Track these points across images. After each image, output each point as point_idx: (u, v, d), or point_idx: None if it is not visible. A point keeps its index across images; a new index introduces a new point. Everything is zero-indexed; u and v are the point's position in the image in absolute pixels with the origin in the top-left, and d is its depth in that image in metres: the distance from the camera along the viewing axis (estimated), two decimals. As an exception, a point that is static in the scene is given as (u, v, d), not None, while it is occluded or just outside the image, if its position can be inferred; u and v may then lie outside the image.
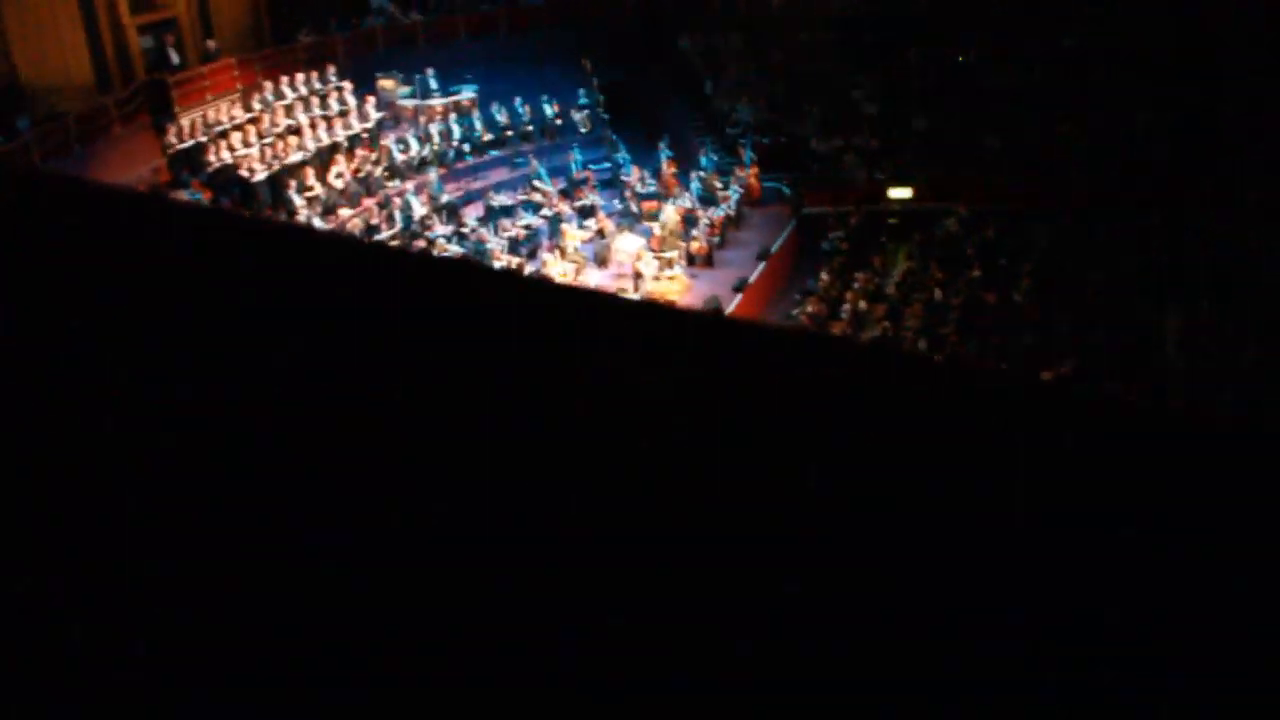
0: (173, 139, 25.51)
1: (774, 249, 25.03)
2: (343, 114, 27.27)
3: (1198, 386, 19.17)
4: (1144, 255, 22.51)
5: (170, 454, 1.17)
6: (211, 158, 25.12)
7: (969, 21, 31.15)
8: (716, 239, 25.09)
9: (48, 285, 1.44)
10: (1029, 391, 1.25)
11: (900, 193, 25.72)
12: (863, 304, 22.72)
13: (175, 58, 28.10)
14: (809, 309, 22.55)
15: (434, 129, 28.06)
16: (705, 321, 1.39)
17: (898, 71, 29.98)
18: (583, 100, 29.93)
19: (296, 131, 26.18)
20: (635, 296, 22.07)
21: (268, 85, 27.15)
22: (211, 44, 29.15)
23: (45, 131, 24.18)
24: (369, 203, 25.74)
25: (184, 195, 24.08)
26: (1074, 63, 28.84)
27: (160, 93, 26.40)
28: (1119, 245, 23.04)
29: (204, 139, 25.39)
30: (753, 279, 23.70)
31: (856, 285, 23.44)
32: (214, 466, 1.15)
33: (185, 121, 25.84)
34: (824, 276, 23.92)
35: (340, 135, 26.72)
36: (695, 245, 24.56)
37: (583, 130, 29.48)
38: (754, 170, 27.06)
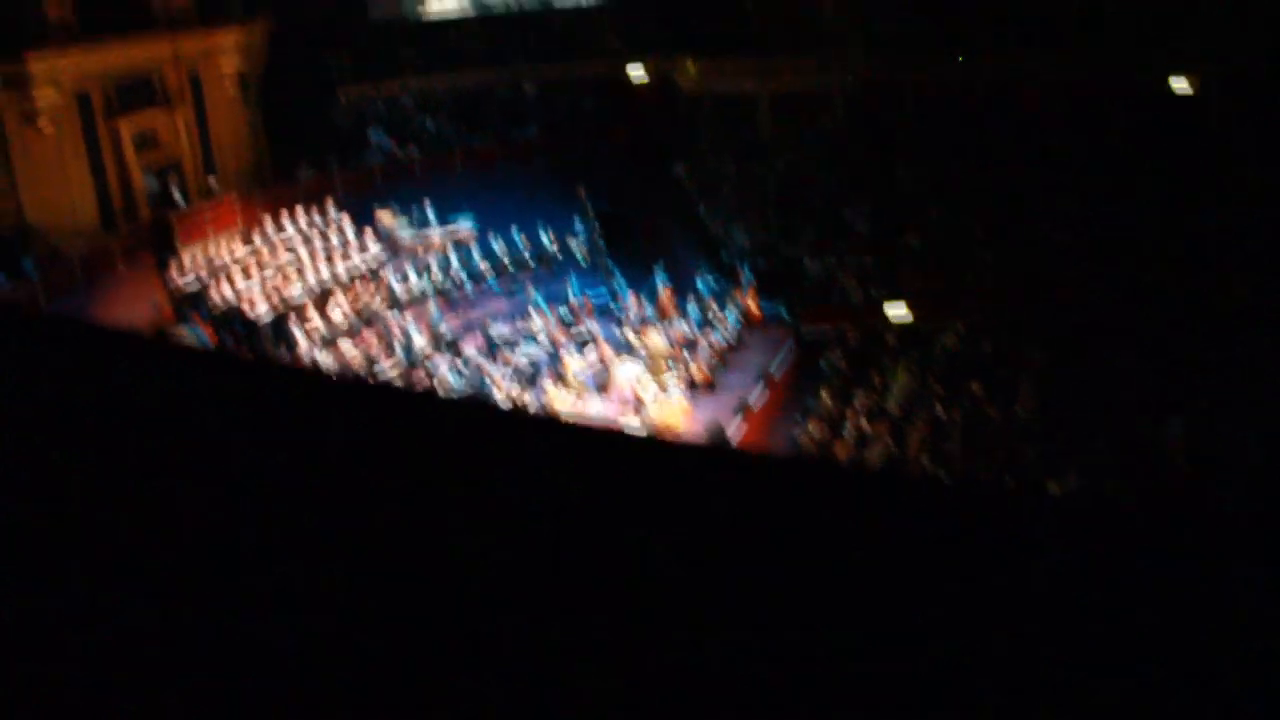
0: (175, 276, 25.78)
1: (774, 370, 25.13)
2: (343, 248, 27.60)
3: (1202, 489, 19.17)
4: (1144, 361, 22.64)
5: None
6: (214, 294, 25.36)
7: (956, 135, 31.82)
8: (717, 363, 25.19)
9: (51, 426, 1.47)
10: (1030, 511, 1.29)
11: (896, 310, 25.90)
12: (865, 423, 22.74)
13: (179, 196, 28.57)
14: (811, 430, 22.56)
15: (432, 261, 28.37)
16: (702, 455, 1.42)
17: (888, 189, 30.49)
18: (578, 229, 30.31)
19: (298, 268, 26.48)
20: (637, 422, 22.10)
21: (269, 221, 27.55)
22: (213, 182, 29.67)
23: (51, 273, 24.46)
24: (369, 334, 25.90)
25: (186, 332, 24.25)
26: (1066, 170, 29.39)
27: (164, 231, 26.79)
28: (1118, 352, 23.18)
29: (206, 276, 25.67)
30: (754, 402, 23.75)
31: (857, 404, 23.48)
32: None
33: (188, 258, 26.16)
34: (824, 396, 23.97)
35: (341, 269, 27.02)
36: (697, 371, 24.65)
37: (580, 259, 29.80)
38: (751, 293, 27.29)
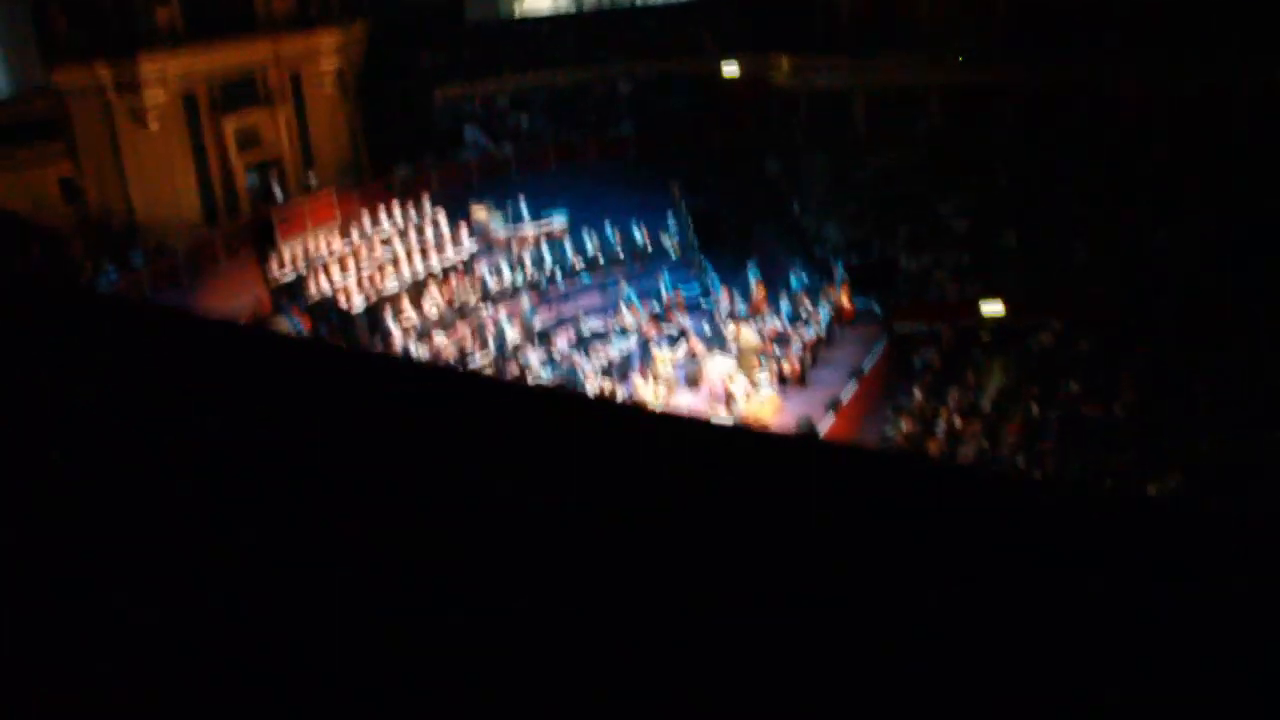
0: (274, 269, 26.34)
1: (866, 367, 24.90)
2: (438, 242, 27.95)
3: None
4: (1250, 364, 22.03)
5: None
6: (311, 288, 25.85)
7: (1054, 133, 31.26)
8: (808, 358, 25.04)
9: (155, 412, 1.51)
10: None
11: (992, 308, 25.49)
12: (958, 421, 22.45)
13: (279, 192, 29.18)
14: (903, 427, 22.32)
15: (526, 256, 28.61)
16: (792, 445, 1.40)
17: (985, 188, 30.04)
18: (671, 224, 30.34)
19: (393, 261, 26.88)
20: (727, 417, 22.05)
21: (365, 216, 28.01)
22: (312, 178, 30.24)
23: (157, 265, 25.15)
24: (463, 328, 26.19)
25: (284, 323, 24.77)
26: (1166, 171, 28.72)
27: (264, 225, 27.38)
28: (1223, 354, 22.59)
29: (304, 270, 26.19)
30: (845, 398, 23.56)
31: (951, 402, 23.18)
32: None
33: (287, 252, 26.70)
34: (917, 394, 23.70)
35: (435, 264, 27.37)
36: (788, 366, 24.53)
37: (672, 255, 29.82)
38: (845, 289, 27.08)
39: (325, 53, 30.94)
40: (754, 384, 23.73)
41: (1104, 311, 24.89)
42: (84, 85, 26.81)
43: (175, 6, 27.78)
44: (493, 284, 27.61)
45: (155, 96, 27.34)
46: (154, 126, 27.47)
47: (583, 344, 26.00)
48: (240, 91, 29.65)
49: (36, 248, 24.80)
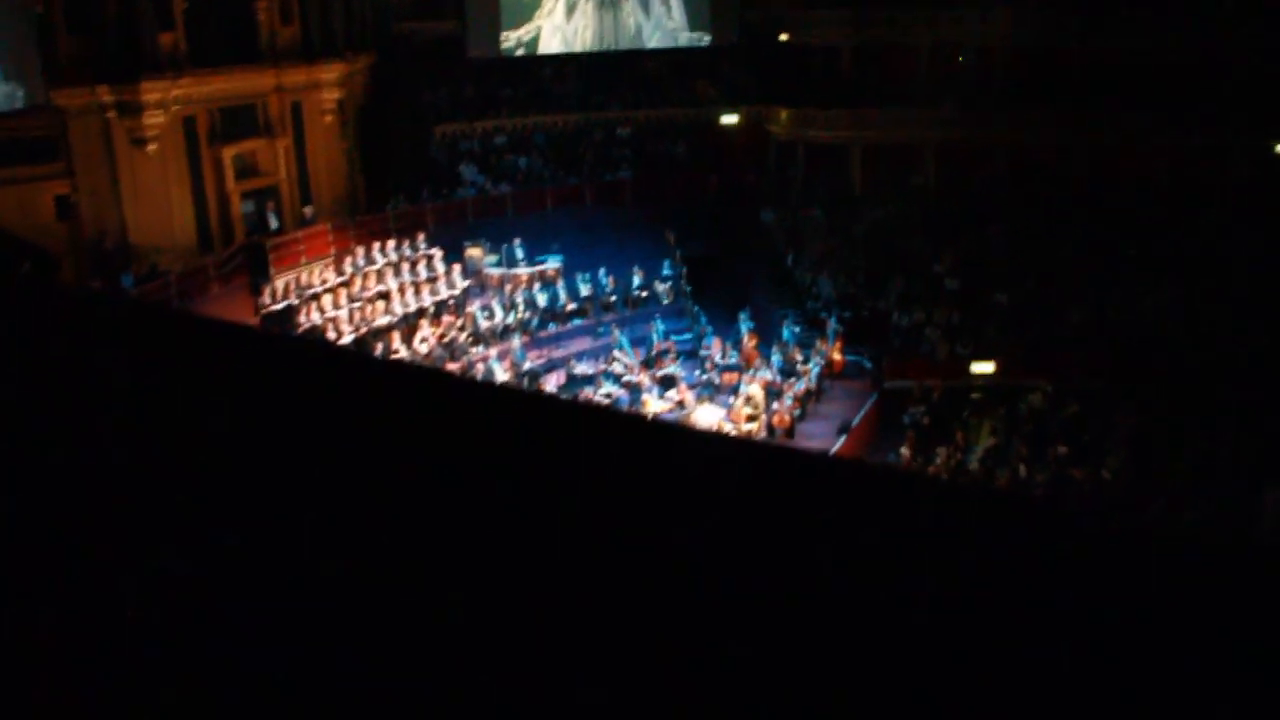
0: (266, 299, 26.25)
1: (855, 422, 24.87)
2: (431, 280, 27.92)
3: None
4: (1238, 428, 22.05)
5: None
6: (302, 318, 25.76)
7: (1049, 194, 31.51)
8: (798, 412, 25.02)
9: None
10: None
11: (983, 367, 25.56)
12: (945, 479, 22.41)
13: (274, 222, 29.18)
14: (891, 482, 22.27)
15: (519, 297, 28.59)
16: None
17: (979, 246, 30.20)
18: (666, 271, 30.38)
19: (385, 296, 26.83)
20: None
21: (360, 250, 27.98)
22: (309, 210, 30.25)
23: (147, 289, 25.04)
24: (452, 367, 26.10)
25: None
26: (1161, 235, 28.94)
27: (258, 255, 27.32)
28: (1213, 418, 22.62)
29: (296, 300, 26.10)
30: (834, 452, 23.51)
31: (939, 460, 23.15)
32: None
33: (280, 283, 26.63)
34: (905, 451, 23.68)
35: (427, 301, 27.32)
36: (776, 418, 24.49)
37: (665, 301, 29.85)
38: (836, 343, 27.11)
39: (327, 85, 31.02)
40: (744, 436, 23.68)
41: (1095, 374, 24.94)
42: (84, 106, 26.79)
43: (180, 33, 27.85)
44: (484, 324, 27.56)
45: (155, 120, 27.34)
46: (152, 150, 27.45)
47: (572, 387, 25.93)
48: (240, 119, 29.69)
49: (25, 264, 24.61)
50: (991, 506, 1.31)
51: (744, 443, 1.54)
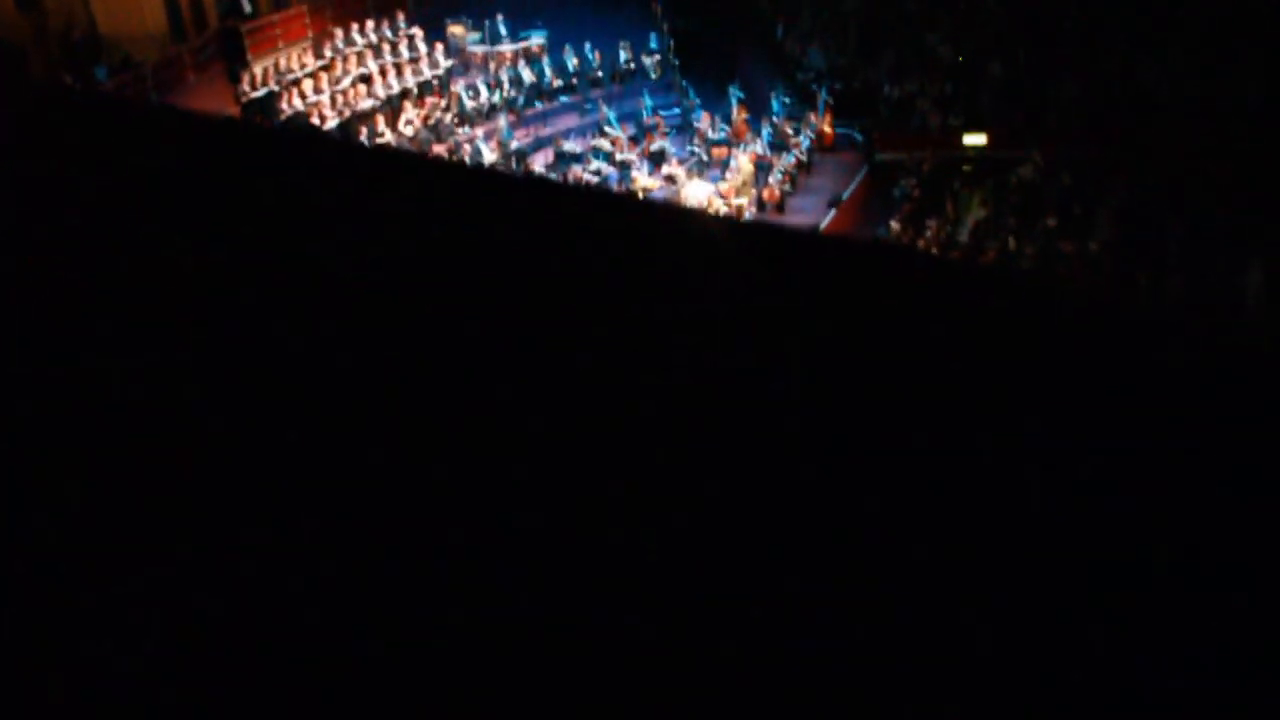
0: (246, 87, 25.71)
1: (845, 196, 24.78)
2: (413, 61, 27.30)
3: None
4: (1226, 203, 21.96)
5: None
6: (284, 105, 25.30)
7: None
8: (788, 186, 24.88)
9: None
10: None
11: (975, 139, 25.26)
12: (935, 252, 22.46)
13: (248, 6, 28.26)
14: (880, 258, 22.33)
15: (504, 75, 28.01)
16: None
17: (973, 15, 29.38)
18: (653, 46, 29.68)
19: (367, 79, 26.28)
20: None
21: (338, 33, 27.25)
22: (283, -10, 29.30)
23: (122, 81, 24.51)
24: (439, 149, 25.79)
25: (257, 143, 24.31)
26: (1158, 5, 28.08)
27: (234, 41, 26.60)
28: (1202, 193, 22.50)
29: (276, 87, 25.57)
30: (824, 226, 23.49)
31: (929, 233, 23.16)
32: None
33: (258, 69, 26.03)
34: (895, 224, 23.65)
35: (410, 82, 26.78)
36: (767, 192, 24.38)
37: (653, 76, 29.26)
38: (827, 116, 26.73)
39: None
40: (740, 212, 23.62)
41: (1087, 145, 24.66)
42: (41, -115, 25.66)
43: None
44: (469, 104, 27.09)
45: (117, -101, 26.23)
46: (117, -68, 26.42)
47: (561, 165, 25.72)
48: (207, -105, 28.44)
49: (-5, 60, 24.06)
50: (977, 282, 1.33)
51: (731, 223, 1.51)
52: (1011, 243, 22.49)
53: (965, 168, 25.16)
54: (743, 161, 24.57)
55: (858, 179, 25.68)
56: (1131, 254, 21.60)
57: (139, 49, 26.03)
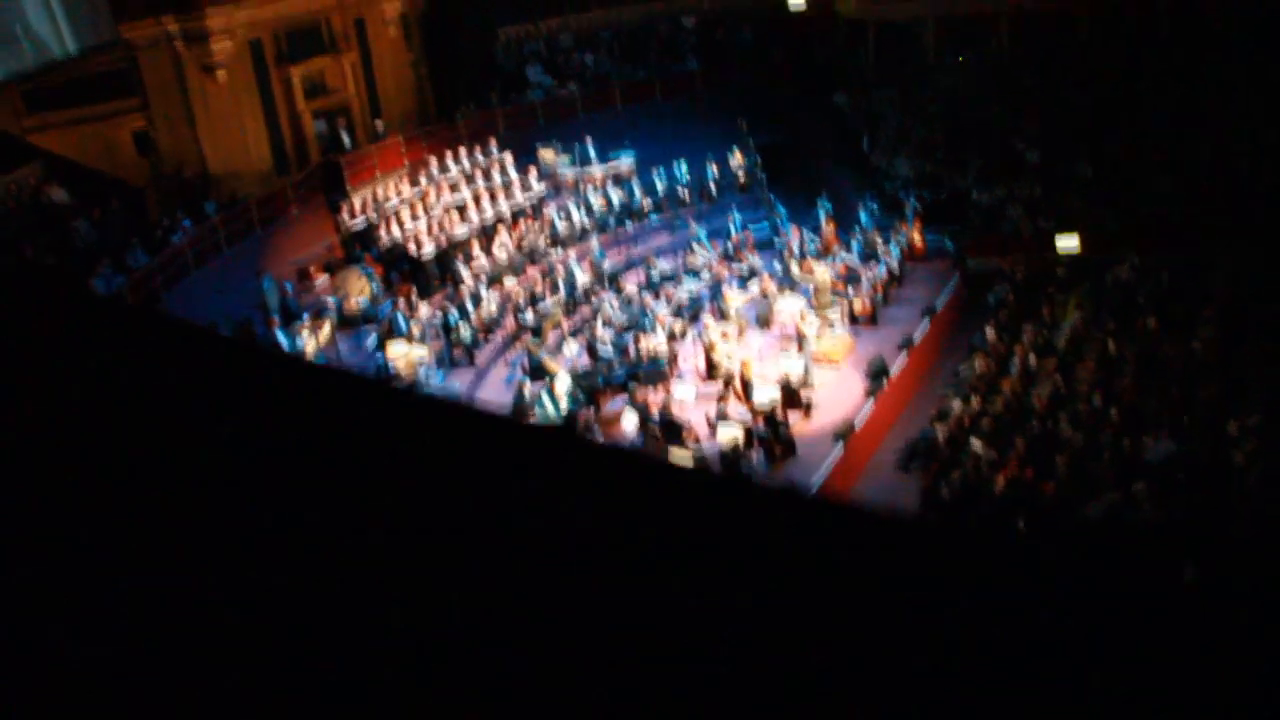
0: (345, 217, 26.53)
1: (939, 305, 24.65)
2: (505, 186, 27.94)
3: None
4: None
5: None
6: (383, 235, 26.02)
7: (1130, 57, 30.45)
8: (880, 297, 24.83)
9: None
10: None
11: (1067, 242, 25.01)
12: (1032, 358, 22.18)
13: (346, 140, 29.32)
14: (977, 366, 22.11)
15: (594, 197, 28.54)
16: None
17: (1058, 115, 29.38)
18: (739, 162, 30.09)
19: (461, 206, 26.94)
20: (801, 358, 21.97)
21: (433, 160, 28.07)
22: (380, 124, 30.33)
23: (230, 215, 25.44)
24: (533, 272, 26.26)
25: (357, 271, 24.99)
26: (1250, 95, 27.87)
27: (334, 173, 27.57)
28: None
29: (374, 217, 26.33)
30: (918, 337, 23.37)
31: (1025, 339, 22.88)
32: None
33: (357, 199, 26.87)
34: (990, 332, 23.41)
35: (504, 207, 27.39)
36: (858, 304, 24.36)
37: (740, 192, 29.64)
38: (916, 225, 26.74)
39: (388, -3, 30.89)
40: (827, 323, 23.62)
41: (1184, 243, 24.33)
42: (152, 37, 27.03)
43: (239, -45, 27.84)
44: (561, 227, 27.60)
45: (223, 46, 27.52)
46: (222, 77, 27.68)
47: (653, 285, 25.98)
48: (306, 39, 29.75)
49: (115, 202, 25.14)
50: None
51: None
52: (1111, 345, 22.11)
53: (1059, 271, 24.90)
54: (819, 275, 24.52)
55: (950, 287, 25.52)
56: (1237, 353, 21.12)
57: (245, 185, 27.07)
